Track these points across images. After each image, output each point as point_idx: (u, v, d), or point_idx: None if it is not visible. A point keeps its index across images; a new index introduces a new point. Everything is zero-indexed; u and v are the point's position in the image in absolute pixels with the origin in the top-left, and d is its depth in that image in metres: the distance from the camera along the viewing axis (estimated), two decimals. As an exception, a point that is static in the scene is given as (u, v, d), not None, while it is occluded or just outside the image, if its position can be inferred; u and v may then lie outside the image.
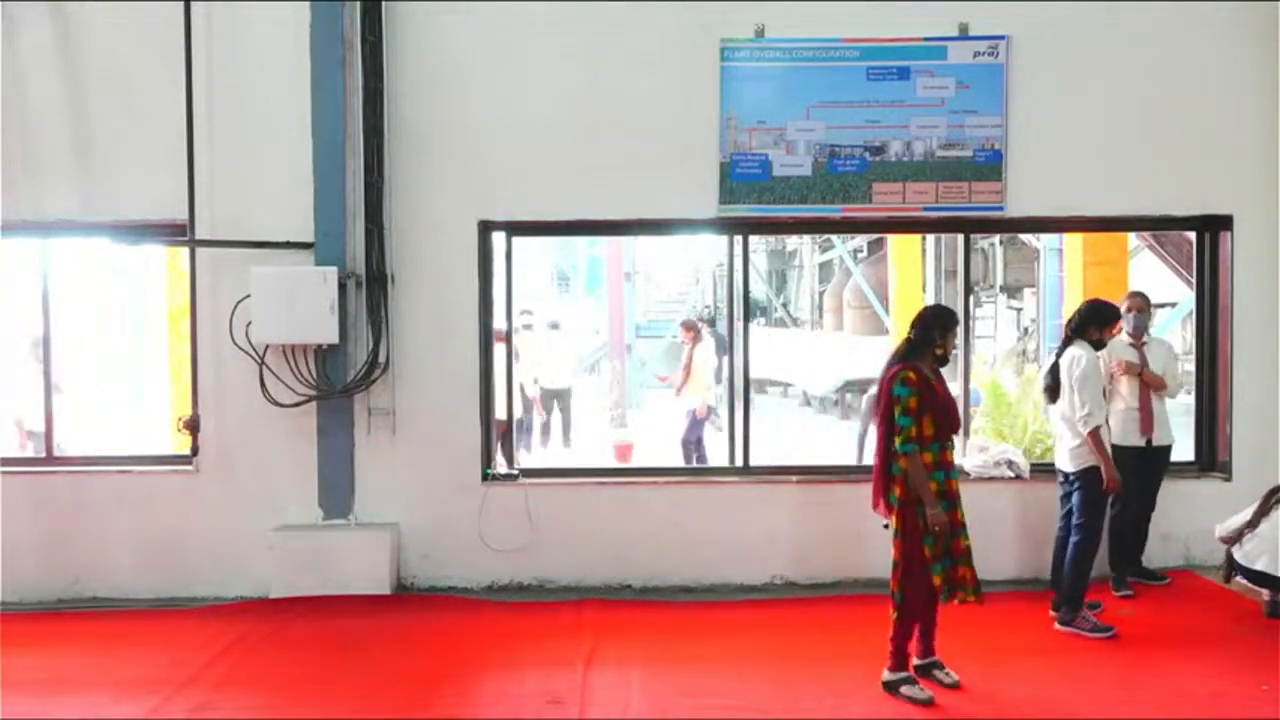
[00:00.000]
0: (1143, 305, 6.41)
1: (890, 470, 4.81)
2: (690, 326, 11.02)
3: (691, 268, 24.11)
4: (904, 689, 4.78)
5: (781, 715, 4.66)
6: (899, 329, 14.46)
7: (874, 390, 11.35)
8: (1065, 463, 5.77)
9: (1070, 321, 5.85)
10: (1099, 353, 5.76)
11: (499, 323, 6.93)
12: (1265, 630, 5.52)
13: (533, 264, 18.40)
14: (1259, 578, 5.66)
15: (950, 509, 4.72)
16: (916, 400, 4.68)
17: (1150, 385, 6.25)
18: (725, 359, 15.57)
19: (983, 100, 6.57)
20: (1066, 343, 5.79)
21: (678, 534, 6.60)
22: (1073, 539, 5.65)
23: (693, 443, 10.36)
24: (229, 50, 6.47)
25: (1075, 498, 5.69)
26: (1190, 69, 6.65)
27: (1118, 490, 5.60)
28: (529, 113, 6.57)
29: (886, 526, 4.96)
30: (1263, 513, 5.72)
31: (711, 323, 16.89)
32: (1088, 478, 5.61)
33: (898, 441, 4.70)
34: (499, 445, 7.04)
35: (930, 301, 15.84)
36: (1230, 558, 5.78)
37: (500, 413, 7.02)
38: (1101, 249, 10.35)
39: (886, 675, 4.85)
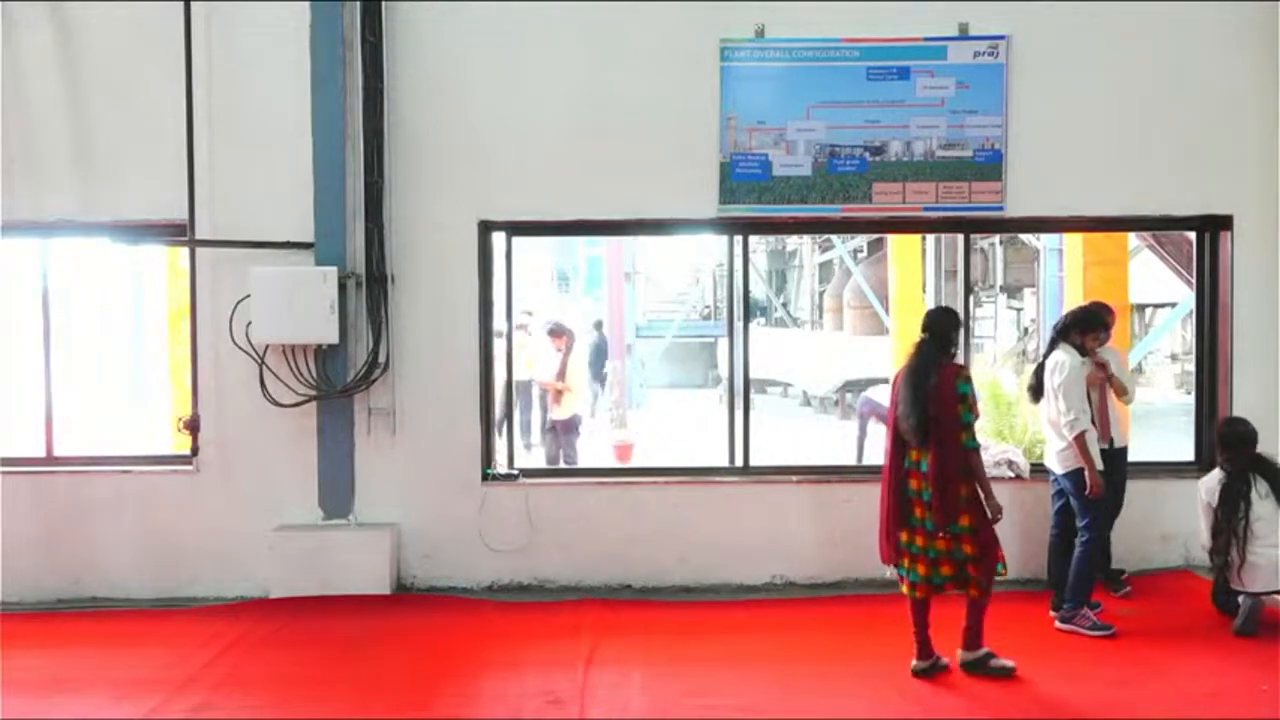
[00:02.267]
0: None
1: (906, 492, 4.93)
2: (560, 332, 10.05)
3: (691, 268, 24.14)
4: (992, 663, 4.96)
5: (781, 715, 4.66)
6: (899, 329, 14.47)
7: (869, 393, 11.30)
8: (1054, 464, 5.83)
9: (1056, 324, 5.88)
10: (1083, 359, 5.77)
11: (499, 323, 6.93)
12: (1265, 630, 5.51)
13: (533, 264, 18.38)
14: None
15: None
16: (973, 395, 4.85)
17: (1115, 391, 6.20)
18: (609, 363, 15.34)
19: (983, 100, 6.56)
20: (1052, 345, 5.80)
21: (678, 534, 6.60)
22: (1080, 539, 5.66)
23: (569, 453, 9.80)
24: (229, 50, 6.47)
25: (1073, 500, 5.71)
26: (1190, 69, 6.65)
27: (1100, 495, 5.59)
28: (529, 113, 6.57)
29: (896, 568, 5.07)
30: (1232, 538, 5.59)
31: (598, 325, 16.25)
32: (1075, 479, 5.63)
33: (965, 437, 4.80)
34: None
35: (931, 302, 15.90)
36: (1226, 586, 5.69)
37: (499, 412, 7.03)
38: (1101, 249, 10.34)
39: (966, 656, 4.99)
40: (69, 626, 6.08)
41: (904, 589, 5.02)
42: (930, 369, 4.86)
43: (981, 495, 4.86)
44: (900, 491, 4.96)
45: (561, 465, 9.61)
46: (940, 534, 4.85)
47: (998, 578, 4.96)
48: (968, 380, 4.86)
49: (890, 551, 5.01)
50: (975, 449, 4.84)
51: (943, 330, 4.96)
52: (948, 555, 4.88)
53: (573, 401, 9.85)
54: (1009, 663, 4.98)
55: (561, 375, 9.81)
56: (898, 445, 4.98)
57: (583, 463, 9.92)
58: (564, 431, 9.77)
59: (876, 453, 11.12)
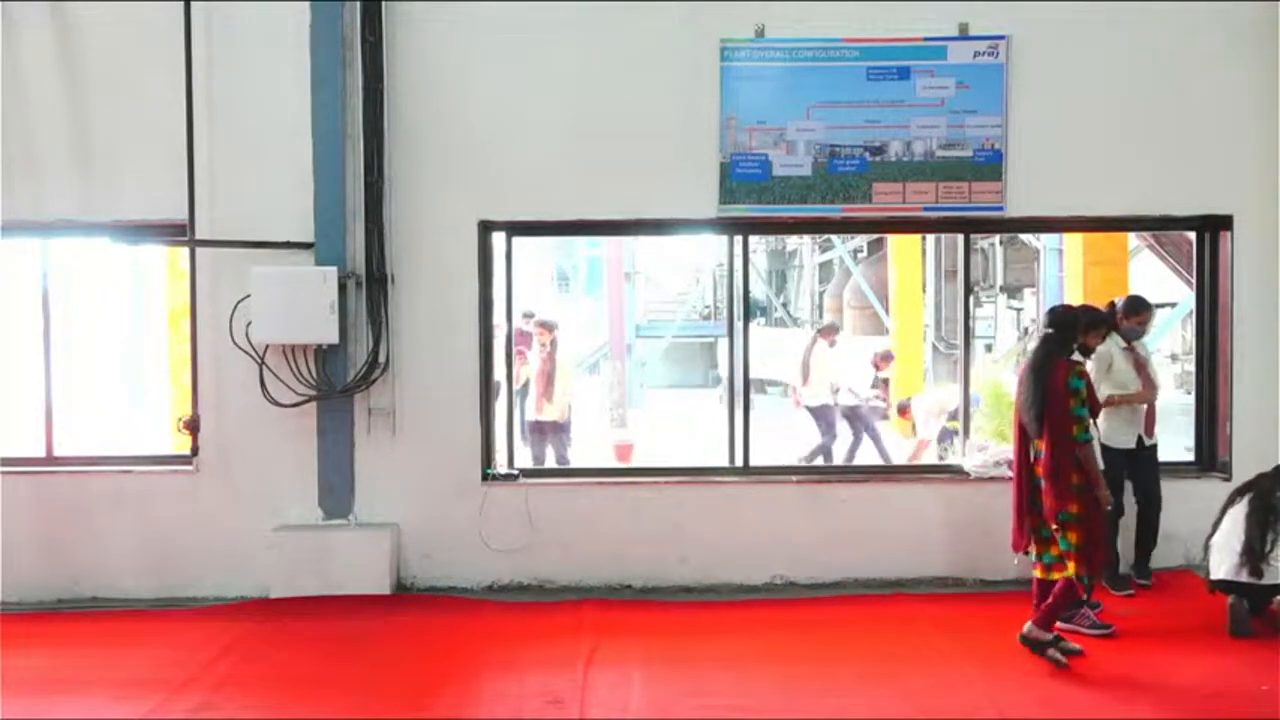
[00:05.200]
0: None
1: (1033, 480, 5.19)
2: (549, 326, 9.61)
3: (691, 268, 24.11)
4: (1050, 651, 5.13)
5: (781, 715, 4.66)
6: (899, 329, 14.49)
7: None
8: None
9: None
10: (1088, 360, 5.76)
11: (500, 323, 6.93)
12: (1264, 630, 5.51)
13: (533, 264, 18.37)
14: (1226, 586, 5.57)
15: None
16: (1088, 390, 5.16)
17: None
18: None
19: (983, 100, 6.56)
20: None
21: (678, 534, 6.59)
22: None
23: (560, 453, 9.54)
24: (229, 50, 6.46)
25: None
26: (1190, 69, 6.64)
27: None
28: (529, 113, 6.57)
29: (1026, 554, 5.37)
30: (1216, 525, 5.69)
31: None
32: None
33: (1076, 430, 5.07)
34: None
35: (931, 302, 15.93)
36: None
37: (500, 413, 7.02)
38: (1101, 249, 10.36)
39: (1031, 629, 5.17)
40: (69, 626, 6.08)
41: (1036, 572, 5.33)
42: (1048, 363, 5.16)
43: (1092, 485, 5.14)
44: (1029, 480, 5.28)
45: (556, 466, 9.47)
46: (1054, 519, 5.12)
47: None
48: (1081, 375, 5.14)
49: (1021, 539, 5.33)
50: (1087, 441, 5.09)
51: (1066, 327, 5.28)
52: (1058, 540, 5.15)
53: (560, 405, 9.51)
54: (1063, 658, 5.12)
55: (549, 372, 9.49)
56: (1023, 436, 5.30)
57: (583, 463, 9.85)
58: (553, 432, 9.54)
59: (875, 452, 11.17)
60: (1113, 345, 6.28)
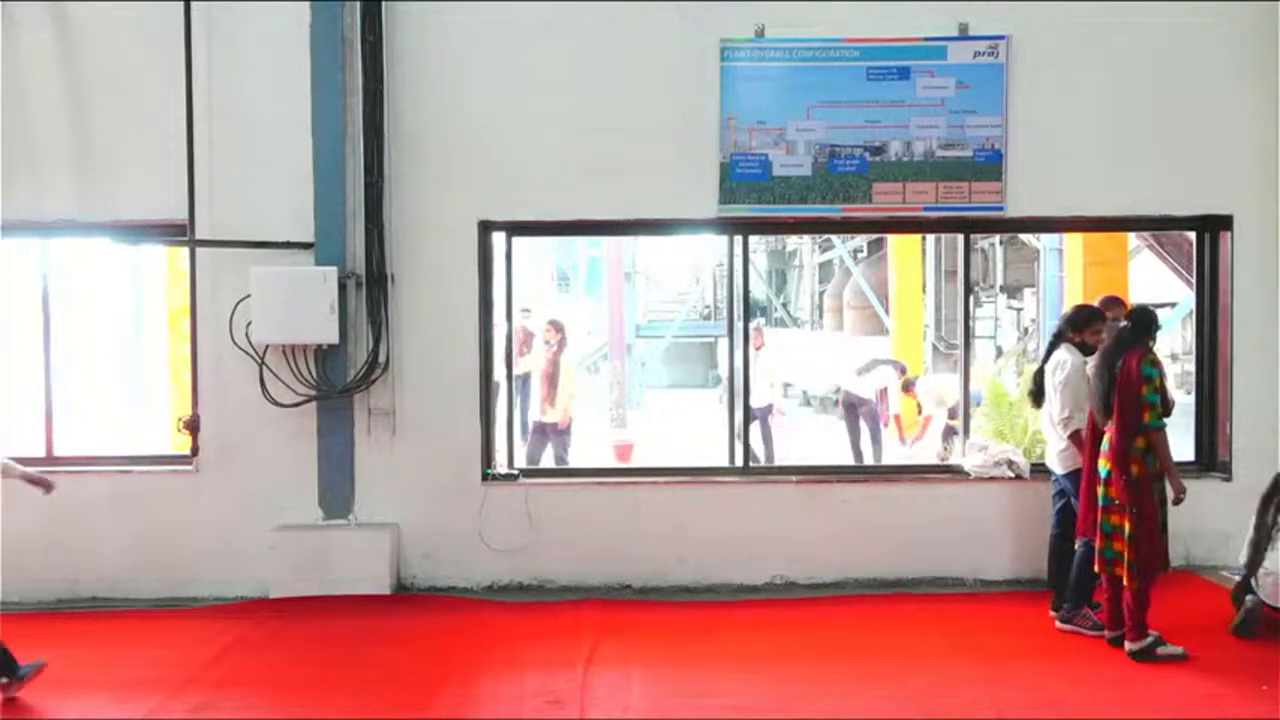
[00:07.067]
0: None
1: (1130, 450, 5.12)
2: (557, 325, 9.59)
3: (691, 268, 24.12)
4: (1160, 650, 5.13)
5: (781, 715, 4.66)
6: (899, 329, 14.49)
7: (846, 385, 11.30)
8: (1054, 465, 5.83)
9: (1054, 329, 5.97)
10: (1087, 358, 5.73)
11: (500, 323, 6.93)
12: (1265, 630, 5.51)
13: (533, 264, 18.36)
14: None
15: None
16: (1161, 380, 5.17)
17: None
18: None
19: (983, 100, 6.56)
20: (1052, 347, 5.82)
21: (678, 534, 6.60)
22: (1080, 539, 5.64)
23: (561, 454, 9.49)
24: (229, 50, 6.47)
25: (1073, 501, 5.70)
26: (1190, 69, 6.64)
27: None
28: (529, 112, 6.57)
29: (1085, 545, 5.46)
30: (1261, 541, 5.58)
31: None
32: (1075, 480, 5.63)
33: (1149, 416, 5.10)
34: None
35: (931, 302, 15.95)
36: (1247, 587, 5.59)
37: (500, 412, 7.02)
38: (1101, 249, 10.35)
39: (1133, 646, 5.16)
40: (69, 626, 6.08)
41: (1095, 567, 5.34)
42: (1121, 351, 5.22)
43: (1165, 475, 5.18)
44: (1095, 472, 5.33)
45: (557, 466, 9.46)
46: (1114, 508, 5.18)
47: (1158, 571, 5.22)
48: (1154, 364, 5.17)
49: (1087, 527, 5.40)
50: (1160, 429, 5.12)
51: (1142, 322, 5.32)
52: (1118, 530, 5.19)
53: (564, 407, 9.43)
54: (1178, 649, 5.16)
55: (553, 372, 9.46)
56: (1094, 430, 5.37)
57: (583, 463, 9.82)
58: (554, 434, 9.48)
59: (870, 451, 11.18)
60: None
